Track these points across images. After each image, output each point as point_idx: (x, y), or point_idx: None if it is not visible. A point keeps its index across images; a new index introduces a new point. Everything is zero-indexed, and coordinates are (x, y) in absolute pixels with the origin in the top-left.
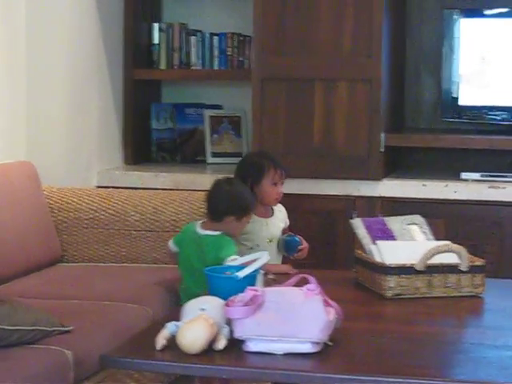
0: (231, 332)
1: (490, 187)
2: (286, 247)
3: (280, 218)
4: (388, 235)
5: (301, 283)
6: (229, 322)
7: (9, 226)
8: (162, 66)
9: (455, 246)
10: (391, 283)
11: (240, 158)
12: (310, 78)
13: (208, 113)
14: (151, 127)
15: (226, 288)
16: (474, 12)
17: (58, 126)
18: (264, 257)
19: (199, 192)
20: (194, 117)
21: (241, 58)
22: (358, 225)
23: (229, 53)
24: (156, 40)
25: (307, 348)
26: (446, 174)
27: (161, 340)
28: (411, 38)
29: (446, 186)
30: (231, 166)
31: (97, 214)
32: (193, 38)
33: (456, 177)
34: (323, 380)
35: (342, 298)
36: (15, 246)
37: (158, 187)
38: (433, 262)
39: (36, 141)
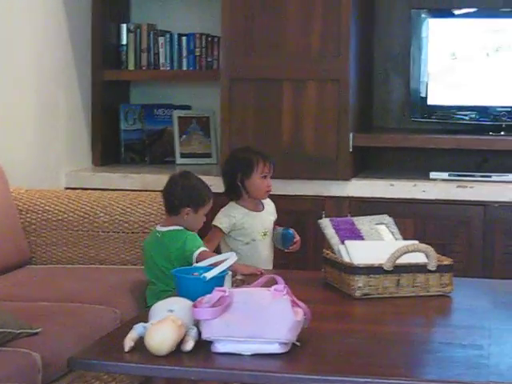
0: (199, 333)
1: (457, 187)
2: (283, 240)
3: (270, 211)
4: (356, 235)
5: (269, 284)
6: (197, 323)
7: None
8: (131, 66)
9: (423, 246)
10: (360, 283)
11: (207, 159)
12: (278, 78)
13: (177, 113)
14: (120, 128)
15: (194, 289)
16: (442, 12)
17: (25, 128)
18: (232, 258)
19: None
20: (162, 117)
21: (209, 59)
22: (327, 225)
23: (197, 53)
24: (124, 41)
25: (275, 348)
26: (415, 173)
27: (128, 342)
28: (379, 38)
29: (415, 185)
30: (200, 167)
31: (65, 216)
32: (161, 39)
33: (424, 176)
34: (291, 380)
35: (311, 298)
36: None
37: (127, 188)
38: (401, 262)
39: (3, 142)
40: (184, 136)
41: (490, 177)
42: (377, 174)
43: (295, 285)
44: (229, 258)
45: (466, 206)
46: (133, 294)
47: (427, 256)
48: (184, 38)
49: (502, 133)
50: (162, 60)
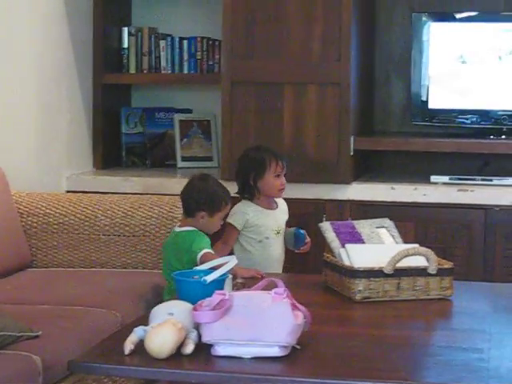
0: (199, 336)
1: (458, 190)
2: (295, 240)
3: (283, 210)
4: (357, 238)
5: (269, 287)
6: (197, 327)
7: None
8: (132, 70)
9: (423, 249)
10: (360, 286)
11: (208, 162)
12: (279, 81)
13: (178, 117)
14: (121, 131)
15: (194, 292)
16: (443, 15)
17: (26, 131)
18: (232, 261)
19: (169, 196)
20: (163, 121)
21: (210, 62)
22: (327, 228)
23: (198, 57)
24: (125, 44)
25: (275, 352)
26: (416, 177)
27: (129, 345)
28: (380, 42)
29: (415, 189)
30: (201, 170)
31: (66, 219)
32: (162, 42)
33: (425, 180)
34: (291, 383)
35: (311, 301)
36: None
37: (128, 192)
38: (401, 265)
39: (5, 145)
40: (185, 139)
41: (490, 180)
42: (378, 177)
43: (296, 288)
44: (229, 262)
45: (466, 209)
46: (133, 297)
47: (427, 259)
48: (185, 42)
49: (503, 136)
50: (163, 63)
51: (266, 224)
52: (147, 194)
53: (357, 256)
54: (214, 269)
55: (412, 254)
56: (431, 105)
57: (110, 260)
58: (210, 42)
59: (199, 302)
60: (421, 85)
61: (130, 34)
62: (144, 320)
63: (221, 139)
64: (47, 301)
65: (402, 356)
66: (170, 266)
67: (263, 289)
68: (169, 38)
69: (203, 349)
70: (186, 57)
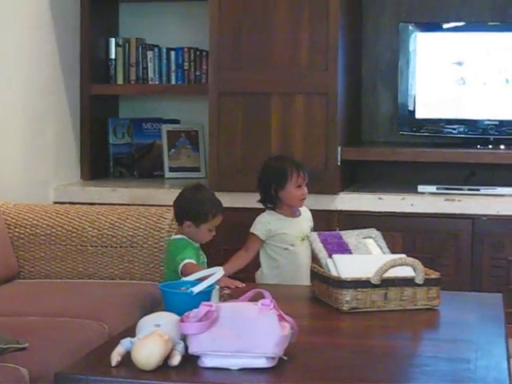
0: (186, 348)
1: (445, 200)
2: None
3: (307, 217)
4: (344, 249)
5: (256, 298)
6: (184, 338)
7: None
8: (119, 80)
9: (410, 260)
10: (347, 297)
11: (196, 173)
12: (266, 92)
13: (165, 127)
14: (108, 142)
15: (181, 303)
16: (430, 25)
17: (14, 142)
18: (219, 272)
19: (156, 207)
20: (151, 131)
21: (198, 73)
22: (314, 238)
23: (186, 67)
24: (113, 55)
25: (262, 363)
26: (403, 187)
27: (115, 356)
28: (368, 52)
29: (403, 198)
30: (189, 181)
31: (53, 230)
32: (150, 53)
33: (413, 190)
34: None
35: (299, 312)
36: None
37: (116, 202)
38: (388, 276)
39: None
40: (173, 150)
41: (477, 190)
42: (365, 187)
43: (283, 299)
44: (216, 273)
45: (454, 219)
46: (121, 308)
47: (414, 270)
48: (172, 52)
49: (490, 146)
50: (150, 74)
51: (290, 232)
52: (135, 204)
53: (344, 266)
54: (201, 280)
55: (399, 265)
56: (418, 115)
57: (97, 271)
58: (198, 53)
59: (186, 314)
60: (408, 95)
61: (117, 44)
62: (131, 331)
63: (208, 149)
64: (34, 312)
65: (389, 366)
66: (164, 273)
67: (250, 300)
68: (156, 49)
69: (190, 360)
70: (173, 67)
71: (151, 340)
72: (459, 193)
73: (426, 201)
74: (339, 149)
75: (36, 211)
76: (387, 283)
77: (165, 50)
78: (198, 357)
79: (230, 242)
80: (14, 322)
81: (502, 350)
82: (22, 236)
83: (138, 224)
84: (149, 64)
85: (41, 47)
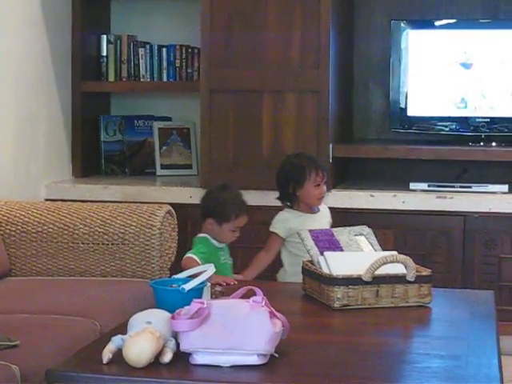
0: (178, 345)
1: (437, 197)
2: None
3: (326, 214)
4: (335, 246)
5: (248, 295)
6: (175, 335)
7: None
8: (111, 78)
9: (401, 257)
10: (338, 294)
11: (188, 170)
12: (258, 89)
13: (157, 125)
14: (100, 139)
15: (173, 301)
16: (422, 23)
17: (5, 139)
18: (210, 269)
19: (148, 204)
20: (142, 129)
21: (189, 70)
22: (306, 236)
23: (177, 65)
24: (104, 52)
25: (253, 360)
26: (395, 184)
27: (107, 354)
28: (359, 49)
29: (394, 196)
30: (180, 178)
31: (45, 228)
32: (141, 50)
33: (404, 187)
34: None
35: (290, 309)
36: None
37: (107, 200)
38: (380, 273)
39: None
40: (164, 147)
41: (469, 187)
42: (357, 184)
43: (275, 296)
44: (207, 270)
45: (445, 216)
46: (112, 305)
47: (406, 267)
48: (164, 50)
49: (482, 144)
50: (142, 71)
51: (309, 228)
52: (126, 202)
53: (335, 264)
54: (192, 277)
55: (390, 262)
56: (410, 112)
57: (88, 268)
58: (189, 50)
59: (177, 311)
60: (399, 92)
61: (108, 41)
62: (122, 329)
63: (200, 147)
64: (25, 310)
65: (381, 363)
66: None
67: (241, 297)
68: (148, 46)
69: (181, 357)
70: (164, 65)
71: (142, 337)
72: (451, 190)
73: (418, 198)
74: (331, 146)
75: (27, 208)
76: (379, 280)
77: (156, 47)
78: (189, 354)
79: None
80: (5, 320)
81: (493, 346)
82: (14, 233)
83: (129, 221)
84: (140, 61)
85: (32, 45)
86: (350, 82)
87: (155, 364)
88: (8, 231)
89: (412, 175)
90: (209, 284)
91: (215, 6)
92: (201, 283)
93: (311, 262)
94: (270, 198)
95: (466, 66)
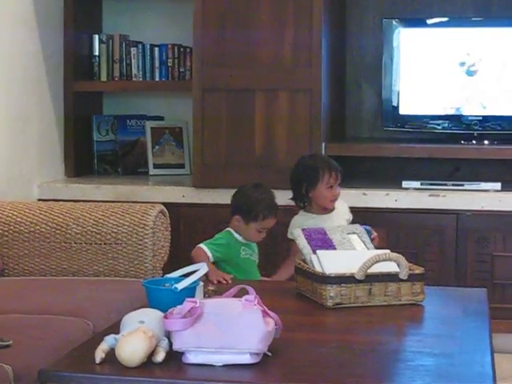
0: (170, 344)
1: (430, 195)
2: None
3: (343, 211)
4: (328, 245)
5: (240, 294)
6: (168, 335)
7: None
8: (103, 77)
9: (394, 255)
10: (331, 292)
11: (180, 169)
12: (250, 88)
13: (149, 124)
14: (92, 139)
15: (165, 300)
16: (414, 21)
17: None
18: (203, 268)
19: (140, 204)
20: (135, 128)
21: (182, 69)
22: (299, 234)
23: (169, 64)
24: (96, 52)
25: (246, 359)
26: (387, 182)
27: (99, 353)
28: (351, 48)
29: (387, 194)
30: (173, 178)
31: (37, 227)
32: (133, 50)
33: (397, 185)
34: None
35: (283, 308)
36: None
37: (100, 199)
38: (372, 271)
39: None
40: (157, 147)
41: (462, 185)
42: (349, 183)
43: (267, 295)
44: (200, 269)
45: (438, 214)
46: (105, 305)
47: (399, 265)
48: (156, 49)
49: (474, 142)
50: (134, 71)
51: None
52: (119, 201)
53: (328, 262)
54: (185, 276)
55: (383, 260)
56: (402, 110)
57: (81, 268)
58: (181, 49)
59: (170, 310)
60: (392, 90)
61: (100, 41)
62: (115, 328)
63: (192, 146)
64: (18, 310)
65: (374, 362)
66: None
67: (234, 296)
68: (140, 46)
69: (174, 357)
70: (157, 64)
71: (135, 337)
72: (443, 188)
73: (410, 196)
74: (323, 145)
75: (20, 208)
76: (371, 279)
77: (148, 47)
78: (182, 353)
79: None
80: None
81: (485, 344)
82: (6, 233)
83: (122, 221)
84: (132, 61)
85: (24, 44)
86: (342, 81)
87: (148, 363)
88: (0, 231)
89: (404, 173)
90: (201, 283)
91: (207, 5)
92: (193, 282)
93: (304, 260)
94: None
95: (459, 64)
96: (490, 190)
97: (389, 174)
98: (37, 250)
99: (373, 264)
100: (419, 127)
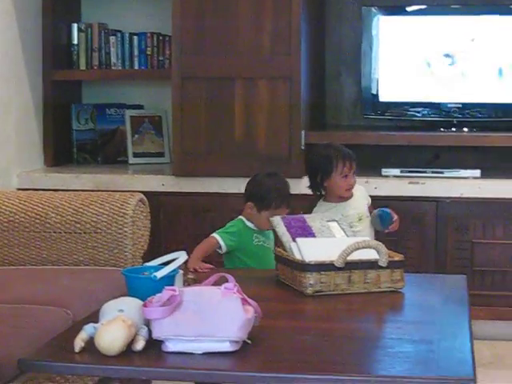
0: (150, 332)
1: (409, 183)
2: (381, 221)
3: (360, 196)
4: (308, 232)
5: (220, 282)
6: (147, 323)
7: None
8: (82, 66)
9: (374, 242)
10: (311, 280)
11: (160, 158)
12: (230, 76)
13: (129, 113)
14: (72, 128)
15: (144, 288)
16: (393, 9)
17: None
18: (182, 256)
19: (120, 193)
20: (114, 117)
21: (161, 58)
22: (278, 222)
23: (149, 52)
24: (75, 40)
25: (226, 347)
26: (367, 170)
27: (79, 342)
28: (331, 36)
29: (367, 182)
30: (153, 166)
31: (17, 217)
32: (112, 38)
33: (376, 173)
34: (242, 378)
35: (263, 295)
36: None
37: (79, 189)
38: (352, 259)
39: None
40: (136, 135)
41: (441, 173)
42: None
43: (247, 283)
44: (179, 257)
45: (418, 202)
46: (85, 294)
47: (378, 252)
48: (135, 38)
49: (453, 129)
50: (113, 59)
51: (345, 215)
52: (99, 190)
53: (308, 250)
54: (165, 264)
55: (363, 247)
56: (382, 98)
57: (61, 257)
58: (161, 38)
59: (149, 299)
60: (371, 78)
61: (79, 30)
62: (95, 317)
63: (172, 135)
64: None
65: (354, 349)
66: None
67: (213, 284)
68: (119, 34)
69: (154, 345)
70: (136, 52)
71: (114, 325)
72: (423, 175)
73: (390, 184)
74: (303, 133)
75: None
76: (351, 266)
77: (127, 35)
78: (161, 341)
79: (195, 227)
80: None
81: (465, 331)
82: None
83: (101, 210)
84: (111, 49)
85: (2, 33)
86: (322, 69)
87: (127, 352)
88: None
89: (384, 161)
90: (181, 271)
91: None
92: (172, 271)
93: (284, 248)
94: (243, 186)
95: (438, 51)
96: (469, 178)
97: (368, 162)
98: (16, 240)
99: (352, 251)
100: (399, 115)
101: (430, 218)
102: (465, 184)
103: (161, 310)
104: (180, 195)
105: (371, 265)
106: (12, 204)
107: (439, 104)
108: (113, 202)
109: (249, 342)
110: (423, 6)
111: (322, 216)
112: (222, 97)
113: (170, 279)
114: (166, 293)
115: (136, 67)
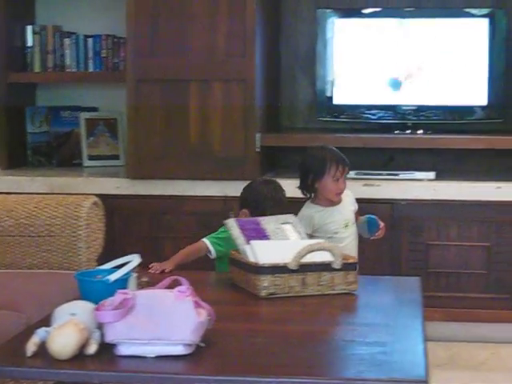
0: (103, 336)
1: (364, 185)
2: (368, 227)
3: (349, 201)
4: (262, 235)
5: (173, 285)
6: (100, 327)
7: None
8: (37, 68)
9: (328, 245)
10: (265, 283)
11: (115, 161)
12: (184, 79)
13: (83, 115)
14: (26, 131)
15: (97, 292)
16: (348, 12)
17: None
18: (135, 259)
19: (74, 196)
20: (69, 120)
21: (116, 60)
22: (232, 225)
23: (103, 55)
24: (30, 43)
25: (179, 350)
26: None
27: (31, 346)
28: (286, 38)
29: None
30: (108, 169)
31: None
32: (67, 40)
33: None
34: (195, 382)
35: (217, 298)
36: None
37: (34, 192)
38: (306, 261)
39: None
40: (91, 138)
41: (396, 175)
42: (285, 173)
43: (202, 286)
44: (132, 260)
45: (373, 204)
46: (39, 298)
47: (332, 254)
48: (90, 40)
49: (408, 131)
50: (67, 62)
51: (332, 221)
52: (53, 193)
53: (262, 252)
54: (118, 268)
55: (317, 250)
56: (336, 101)
57: (14, 261)
58: (115, 40)
59: (101, 302)
60: (326, 81)
61: (34, 32)
62: (48, 321)
63: (127, 137)
64: None
65: (307, 351)
66: None
67: (167, 287)
68: (73, 36)
69: (107, 349)
70: (90, 55)
71: (66, 329)
72: (378, 178)
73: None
74: (258, 135)
75: None
76: (305, 268)
77: (82, 38)
78: (114, 345)
79: (151, 230)
80: None
81: (418, 333)
82: None
83: (55, 213)
84: (66, 51)
85: None
86: (277, 71)
87: (80, 356)
88: None
89: None
90: (134, 274)
91: None
92: (126, 274)
93: (238, 251)
94: (199, 188)
95: (392, 54)
96: (424, 180)
97: None
98: None
99: (306, 253)
100: (353, 117)
101: (385, 220)
102: (420, 186)
103: (113, 313)
104: (135, 198)
105: (325, 267)
106: None
107: (394, 106)
108: (67, 205)
109: (202, 345)
110: (378, 9)
111: (276, 218)
112: (177, 99)
113: (123, 282)
114: (119, 296)
115: (91, 69)
